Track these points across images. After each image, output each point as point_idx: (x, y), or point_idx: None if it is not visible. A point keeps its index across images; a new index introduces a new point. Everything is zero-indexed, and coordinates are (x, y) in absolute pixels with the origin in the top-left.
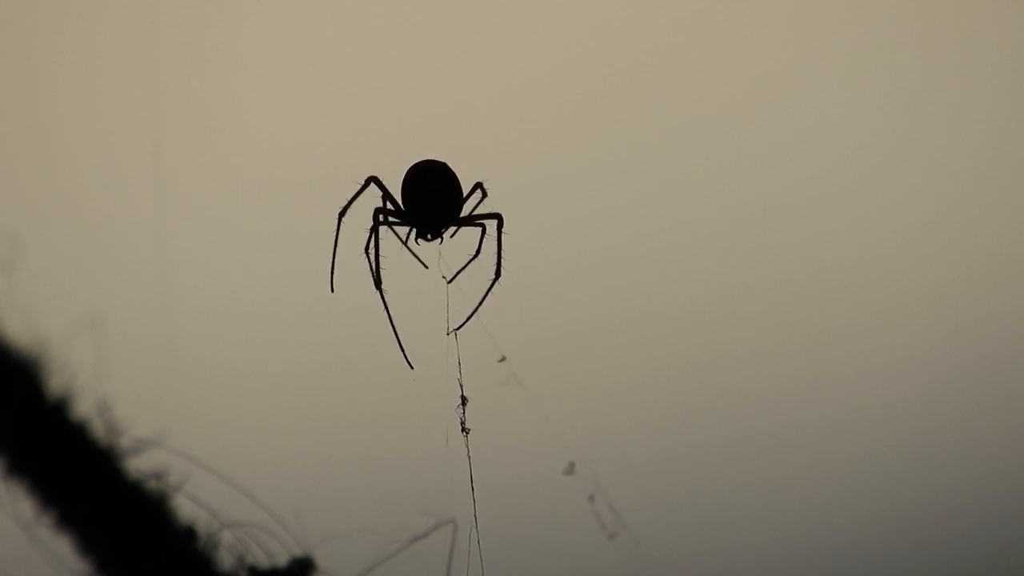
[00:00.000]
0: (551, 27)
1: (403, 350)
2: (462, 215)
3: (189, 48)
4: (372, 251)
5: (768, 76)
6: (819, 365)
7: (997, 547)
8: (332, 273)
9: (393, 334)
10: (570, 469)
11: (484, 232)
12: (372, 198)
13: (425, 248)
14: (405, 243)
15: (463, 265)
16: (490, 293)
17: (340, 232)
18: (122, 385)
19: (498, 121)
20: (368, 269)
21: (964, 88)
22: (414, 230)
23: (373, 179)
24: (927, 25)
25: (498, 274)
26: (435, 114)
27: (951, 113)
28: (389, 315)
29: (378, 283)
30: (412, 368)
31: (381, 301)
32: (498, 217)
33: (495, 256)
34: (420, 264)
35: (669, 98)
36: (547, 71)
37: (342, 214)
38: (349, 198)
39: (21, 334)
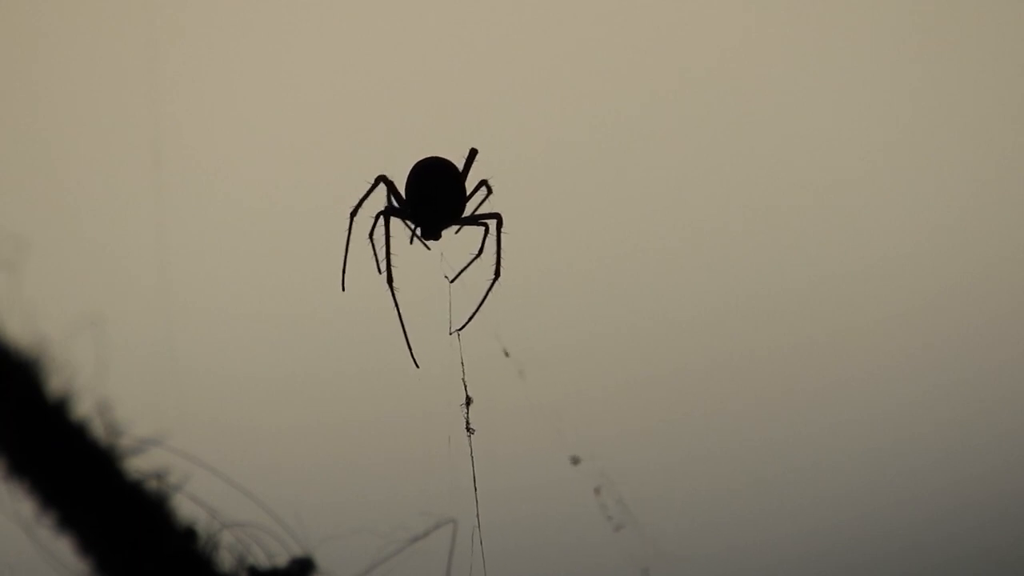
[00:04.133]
0: (561, 25)
1: (410, 348)
2: (466, 213)
3: (191, 47)
4: (380, 241)
5: (771, 79)
6: (823, 362)
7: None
8: (344, 272)
9: (401, 331)
10: (575, 460)
11: (487, 231)
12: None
13: (427, 248)
14: (413, 232)
15: (465, 265)
16: (490, 293)
17: (352, 232)
18: (122, 385)
19: (507, 118)
20: (369, 262)
21: (968, 89)
22: (417, 229)
23: (382, 178)
24: (934, 26)
25: (497, 274)
26: (445, 110)
27: (957, 113)
28: (399, 312)
29: (389, 279)
30: (418, 367)
31: (391, 297)
32: (497, 217)
33: (494, 256)
34: (423, 260)
35: (674, 99)
36: (556, 68)
37: (353, 214)
38: (360, 198)
39: (21, 334)
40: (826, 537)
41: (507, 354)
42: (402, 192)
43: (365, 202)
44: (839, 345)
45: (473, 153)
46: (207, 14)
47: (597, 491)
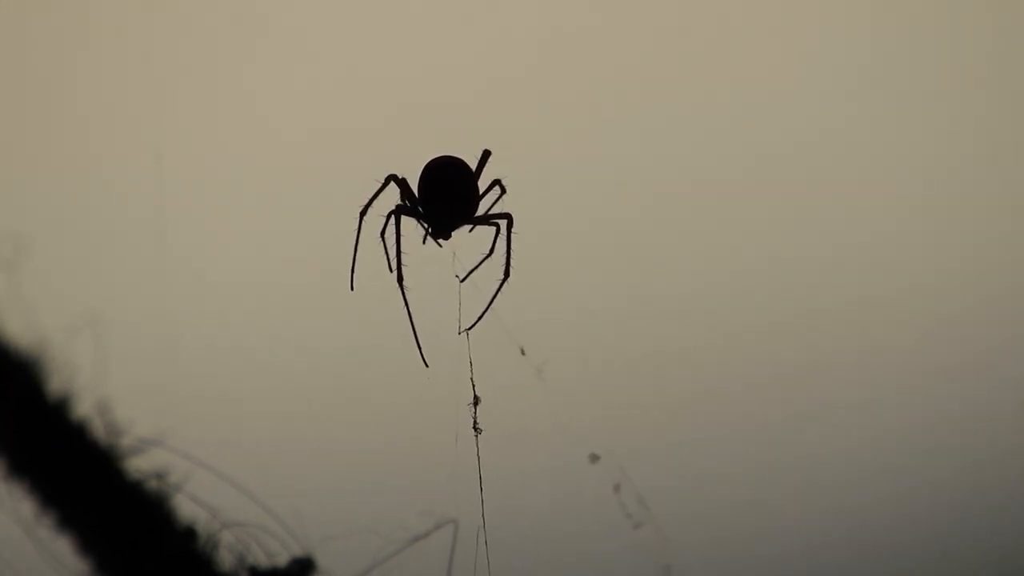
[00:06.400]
0: (576, 25)
1: (420, 347)
2: (478, 213)
3: (195, 43)
4: (392, 239)
5: (776, 76)
6: (845, 347)
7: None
8: (352, 272)
9: (411, 331)
10: (594, 458)
11: (498, 231)
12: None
13: (439, 245)
14: (427, 231)
15: (476, 264)
16: (499, 293)
17: (361, 231)
18: (122, 385)
19: (521, 116)
20: (379, 261)
21: (963, 76)
22: (429, 228)
23: (393, 177)
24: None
25: (507, 274)
26: (458, 109)
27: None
28: (408, 311)
29: (400, 278)
30: (427, 366)
31: (402, 296)
32: (508, 217)
33: (504, 256)
34: (433, 259)
35: (682, 98)
36: (569, 67)
37: (363, 212)
38: (369, 197)
39: (21, 334)
40: (842, 537)
41: (523, 352)
42: (415, 191)
43: (375, 201)
44: (863, 348)
45: (486, 154)
46: (213, 10)
47: (616, 488)
